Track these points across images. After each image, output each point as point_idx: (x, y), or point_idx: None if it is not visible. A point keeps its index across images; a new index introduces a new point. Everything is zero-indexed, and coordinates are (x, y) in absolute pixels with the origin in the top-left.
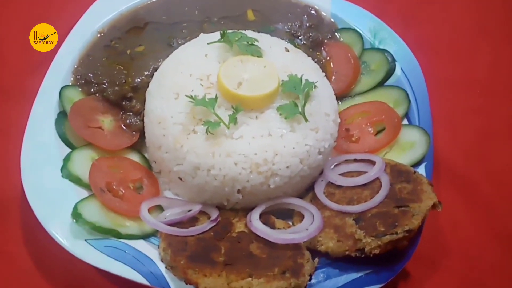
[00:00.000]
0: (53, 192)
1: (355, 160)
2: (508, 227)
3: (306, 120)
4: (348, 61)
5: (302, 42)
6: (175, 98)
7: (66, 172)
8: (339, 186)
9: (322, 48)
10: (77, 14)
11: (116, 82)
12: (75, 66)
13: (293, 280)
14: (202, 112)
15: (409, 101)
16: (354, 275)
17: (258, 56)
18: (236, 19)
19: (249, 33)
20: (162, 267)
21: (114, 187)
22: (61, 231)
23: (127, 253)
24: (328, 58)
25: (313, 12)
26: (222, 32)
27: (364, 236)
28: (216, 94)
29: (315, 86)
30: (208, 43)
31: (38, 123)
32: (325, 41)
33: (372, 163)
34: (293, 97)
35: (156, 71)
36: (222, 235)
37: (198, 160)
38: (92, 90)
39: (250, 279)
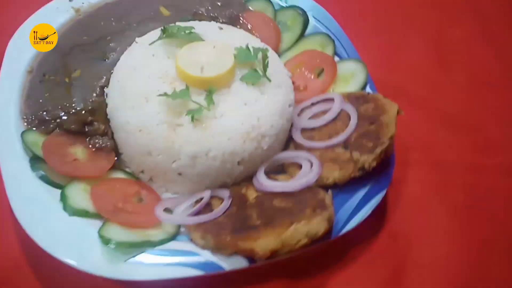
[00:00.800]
0: (68, 235)
1: (313, 104)
2: (451, 116)
3: (270, 80)
4: (267, 25)
5: (221, 21)
6: (146, 102)
7: (70, 209)
8: (312, 129)
9: (241, 21)
10: None
11: (70, 111)
12: (21, 110)
13: (325, 213)
14: (178, 105)
15: (333, 40)
16: (362, 192)
17: (201, 41)
18: (153, 19)
19: (180, 24)
20: (206, 254)
21: (121, 206)
22: (99, 266)
23: (168, 256)
24: (249, 28)
25: None
26: (162, 28)
27: (360, 155)
28: (186, 85)
29: (266, 49)
30: (150, 44)
31: (14, 178)
32: (240, 14)
33: (329, 100)
34: (248, 66)
35: (104, 88)
36: (244, 205)
37: (194, 148)
38: (50, 126)
39: (294, 225)
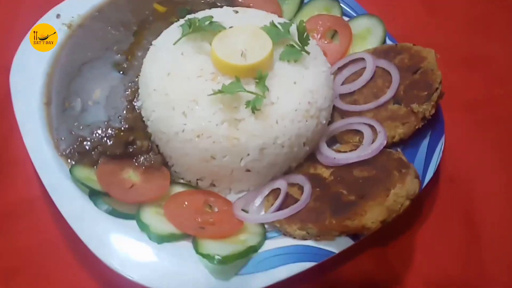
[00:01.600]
0: (159, 263)
1: (339, 69)
2: (462, 56)
3: (308, 53)
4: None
5: (220, 5)
6: (196, 104)
7: (157, 237)
8: (352, 93)
9: (239, 1)
10: None
11: (108, 135)
12: (56, 147)
13: (411, 170)
14: (231, 100)
15: (337, 1)
16: (426, 141)
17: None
18: (151, 18)
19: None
20: (310, 243)
21: (200, 220)
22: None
23: (275, 256)
24: (250, 6)
25: None
26: (188, 23)
27: (418, 106)
28: (235, 77)
29: (291, 23)
30: (174, 43)
31: (80, 220)
32: None
33: (357, 61)
34: (280, 44)
35: (133, 101)
36: (325, 185)
37: (261, 140)
38: (93, 156)
39: (392, 191)
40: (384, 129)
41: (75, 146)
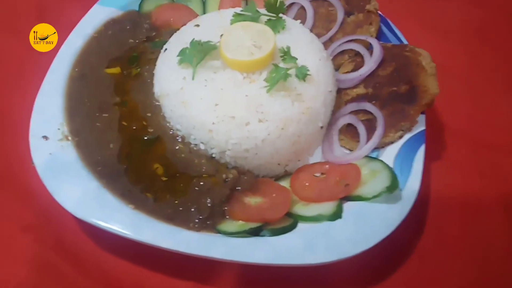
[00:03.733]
0: (357, 228)
1: None
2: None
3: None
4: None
5: (153, 34)
6: (263, 107)
7: (333, 216)
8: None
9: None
10: None
11: (208, 189)
12: (188, 228)
13: (409, 45)
14: (281, 85)
15: None
16: (386, 28)
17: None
18: (118, 80)
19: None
20: (407, 137)
21: (335, 183)
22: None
23: (403, 162)
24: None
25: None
26: (193, 51)
27: (368, 6)
28: (273, 65)
29: (251, 5)
30: (193, 79)
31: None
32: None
33: (289, 7)
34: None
35: (192, 150)
36: (373, 96)
37: (322, 96)
38: (220, 211)
39: (423, 63)
40: (370, 37)
41: (198, 217)
